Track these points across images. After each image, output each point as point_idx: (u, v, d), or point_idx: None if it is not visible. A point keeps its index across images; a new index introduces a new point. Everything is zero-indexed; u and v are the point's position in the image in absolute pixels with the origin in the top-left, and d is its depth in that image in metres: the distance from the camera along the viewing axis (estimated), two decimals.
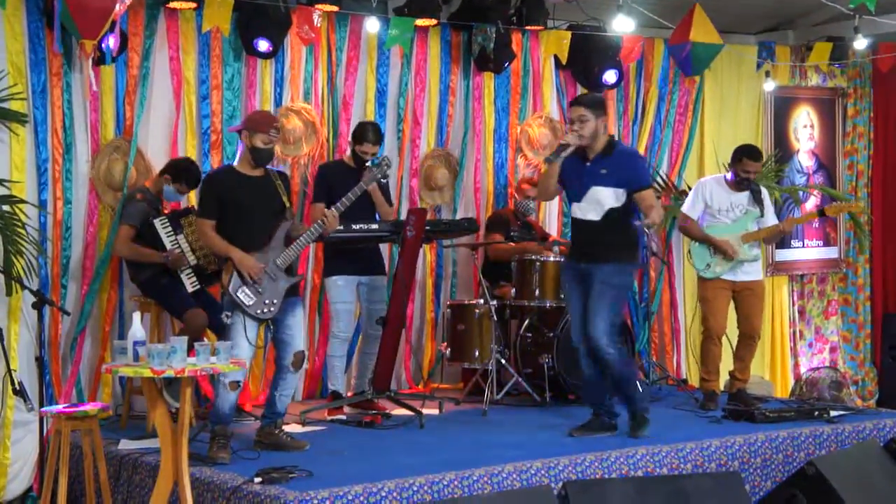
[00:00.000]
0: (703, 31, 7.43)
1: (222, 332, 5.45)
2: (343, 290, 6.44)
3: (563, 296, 6.35)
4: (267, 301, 5.36)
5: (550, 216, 7.98)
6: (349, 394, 6.63)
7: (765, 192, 6.77)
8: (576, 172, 5.67)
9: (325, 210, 5.60)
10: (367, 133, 6.49)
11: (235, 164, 5.53)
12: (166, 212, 6.24)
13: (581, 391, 6.26)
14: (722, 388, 7.17)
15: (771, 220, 6.71)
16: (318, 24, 6.88)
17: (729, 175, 6.71)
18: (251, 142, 5.41)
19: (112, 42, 6.01)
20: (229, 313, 5.33)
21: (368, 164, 6.17)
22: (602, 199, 5.64)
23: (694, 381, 7.80)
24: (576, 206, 5.73)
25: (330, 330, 6.66)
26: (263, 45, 6.68)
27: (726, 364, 6.82)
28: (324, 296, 6.99)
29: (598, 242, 5.69)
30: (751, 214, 6.66)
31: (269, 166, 5.57)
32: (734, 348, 6.80)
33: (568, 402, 6.79)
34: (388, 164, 5.89)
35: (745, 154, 6.63)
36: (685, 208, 6.71)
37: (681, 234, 7.20)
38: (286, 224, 5.50)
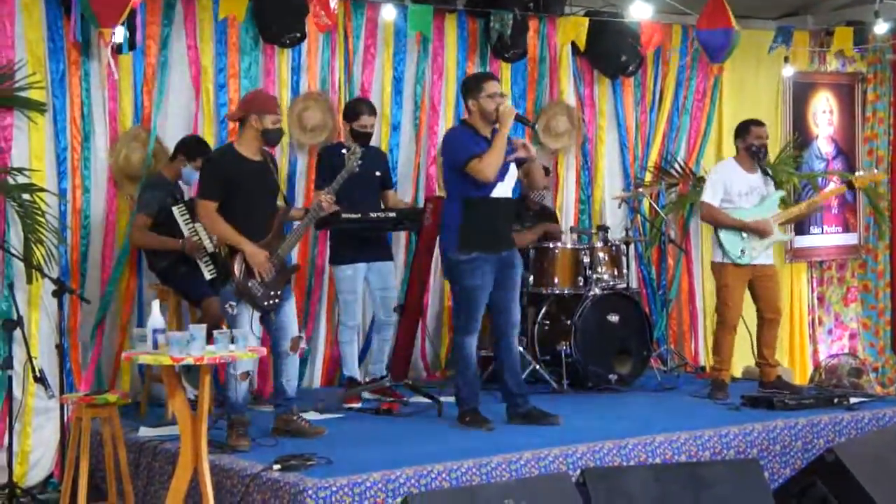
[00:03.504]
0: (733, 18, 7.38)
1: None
2: (352, 279, 6.41)
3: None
4: (272, 293, 5.34)
5: (568, 205, 7.96)
6: (367, 380, 6.63)
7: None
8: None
9: (321, 195, 5.50)
10: (362, 106, 6.47)
11: (236, 145, 5.42)
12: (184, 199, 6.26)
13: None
14: (740, 375, 7.15)
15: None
16: (335, 11, 6.87)
17: (739, 153, 6.66)
18: (262, 124, 5.30)
19: (130, 31, 6.02)
20: (233, 304, 5.29)
21: (344, 151, 6.04)
22: (514, 175, 5.70)
23: None
24: (500, 185, 5.58)
25: (339, 318, 6.65)
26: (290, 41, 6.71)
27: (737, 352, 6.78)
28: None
29: (511, 225, 5.77)
30: (775, 196, 6.63)
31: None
32: (758, 335, 6.72)
33: (586, 389, 6.79)
34: (356, 150, 5.69)
35: (750, 123, 6.62)
36: (707, 197, 6.59)
37: (705, 223, 7.10)
38: (284, 210, 5.49)
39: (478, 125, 5.60)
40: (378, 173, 6.50)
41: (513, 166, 5.65)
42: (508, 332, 5.72)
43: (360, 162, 5.62)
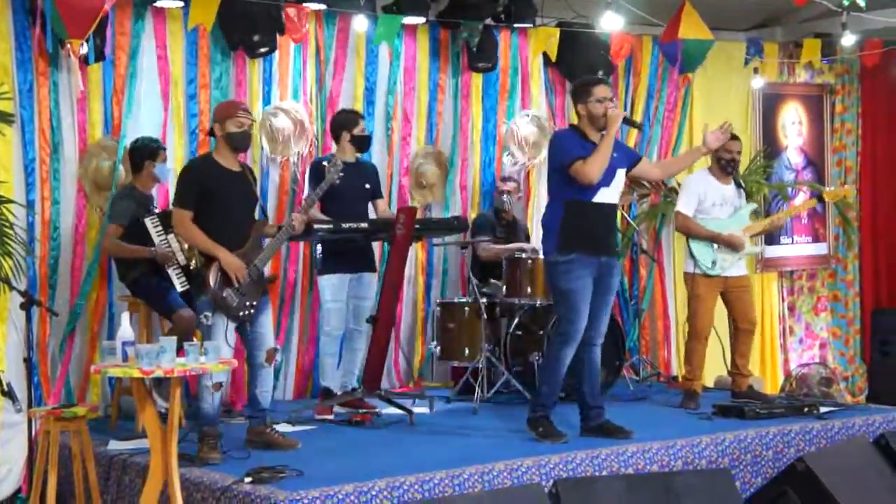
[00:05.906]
0: (693, 28, 7.42)
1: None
2: (336, 288, 6.41)
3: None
4: (248, 303, 5.35)
5: (540, 216, 7.94)
6: (339, 392, 6.60)
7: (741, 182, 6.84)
8: None
9: (294, 215, 5.60)
10: (356, 113, 6.59)
11: (215, 154, 5.47)
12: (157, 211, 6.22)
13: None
14: (712, 385, 7.18)
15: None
16: (306, 23, 6.85)
17: (711, 164, 6.71)
18: (225, 130, 5.35)
19: (99, 41, 5.99)
20: (209, 314, 5.29)
21: (325, 164, 6.05)
22: (621, 181, 5.66)
23: None
24: (604, 191, 5.52)
25: (321, 328, 6.63)
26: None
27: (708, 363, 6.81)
28: (313, 294, 6.98)
29: (615, 231, 5.73)
30: (747, 208, 6.67)
31: (241, 160, 5.56)
32: (733, 345, 6.77)
33: (559, 399, 6.77)
34: (336, 162, 5.76)
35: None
36: (681, 207, 6.62)
37: (679, 233, 7.13)
38: (259, 223, 5.52)
39: (586, 130, 5.57)
40: (368, 185, 6.53)
41: (620, 172, 5.59)
42: (593, 339, 5.63)
43: (340, 174, 5.69)
